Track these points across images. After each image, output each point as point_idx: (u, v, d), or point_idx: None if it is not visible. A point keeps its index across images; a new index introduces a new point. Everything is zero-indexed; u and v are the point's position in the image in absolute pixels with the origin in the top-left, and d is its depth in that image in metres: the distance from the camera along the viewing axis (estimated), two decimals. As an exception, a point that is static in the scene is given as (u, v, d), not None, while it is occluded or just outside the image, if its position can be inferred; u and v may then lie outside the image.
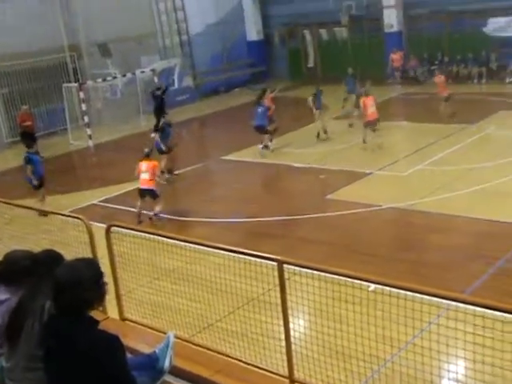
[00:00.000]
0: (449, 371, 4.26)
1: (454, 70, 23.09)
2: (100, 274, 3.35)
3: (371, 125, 15.00)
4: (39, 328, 3.57)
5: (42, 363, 3.34)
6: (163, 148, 14.34)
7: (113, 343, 3.18)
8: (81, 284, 3.19)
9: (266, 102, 16.28)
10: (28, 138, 17.56)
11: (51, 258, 3.96)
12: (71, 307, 3.19)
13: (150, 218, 11.53)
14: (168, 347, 4.00)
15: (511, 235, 9.06)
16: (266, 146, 15.80)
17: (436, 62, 23.75)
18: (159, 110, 18.68)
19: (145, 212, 11.61)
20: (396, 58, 23.99)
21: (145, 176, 11.53)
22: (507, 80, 22.05)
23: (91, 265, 3.39)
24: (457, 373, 4.48)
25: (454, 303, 3.86)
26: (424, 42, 24.35)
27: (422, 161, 13.39)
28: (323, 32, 27.64)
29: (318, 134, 16.51)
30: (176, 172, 14.69)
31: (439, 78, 17.55)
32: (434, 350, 4.15)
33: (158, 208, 11.56)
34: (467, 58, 23.00)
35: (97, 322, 3.27)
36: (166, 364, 3.96)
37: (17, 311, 3.76)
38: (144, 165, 11.61)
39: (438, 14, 23.56)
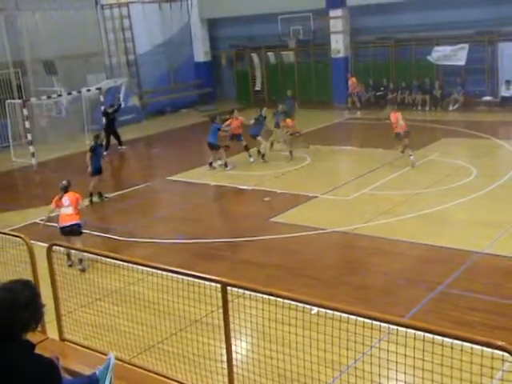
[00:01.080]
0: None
1: (398, 96, 23.68)
2: (37, 295, 3.26)
3: (400, 136, 15.50)
4: None
5: None
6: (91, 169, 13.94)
7: (49, 368, 3.11)
8: (17, 306, 3.09)
9: (232, 122, 16.73)
10: None
11: None
12: (7, 330, 3.08)
13: (81, 260, 9.51)
14: (108, 369, 3.92)
15: (451, 261, 9.29)
16: (224, 164, 16.28)
17: (381, 89, 24.42)
18: (109, 129, 18.90)
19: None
20: (350, 83, 24.33)
21: (68, 211, 10.01)
22: (450, 108, 22.75)
23: (27, 286, 3.27)
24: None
25: (394, 327, 3.94)
26: (370, 68, 25.04)
27: (367, 185, 13.69)
28: (271, 55, 28.05)
29: (263, 155, 16.92)
30: (106, 195, 14.45)
31: (394, 115, 15.78)
32: (375, 374, 4.22)
33: (80, 245, 9.47)
34: (412, 85, 23.63)
35: (33, 346, 3.16)
36: None
37: None
38: (66, 198, 10.13)
39: (385, 41, 24.31)
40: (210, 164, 16.41)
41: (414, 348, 3.86)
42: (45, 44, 21.96)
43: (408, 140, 15.27)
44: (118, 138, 20.04)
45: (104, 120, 19.80)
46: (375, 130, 20.61)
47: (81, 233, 10.02)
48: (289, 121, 17.44)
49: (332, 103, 25.45)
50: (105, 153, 17.55)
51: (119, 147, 20.00)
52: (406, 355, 3.86)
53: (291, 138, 17.17)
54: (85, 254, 9.03)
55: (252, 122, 17.21)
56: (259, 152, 17.05)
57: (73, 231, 9.90)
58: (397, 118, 15.83)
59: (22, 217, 13.18)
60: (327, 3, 24.51)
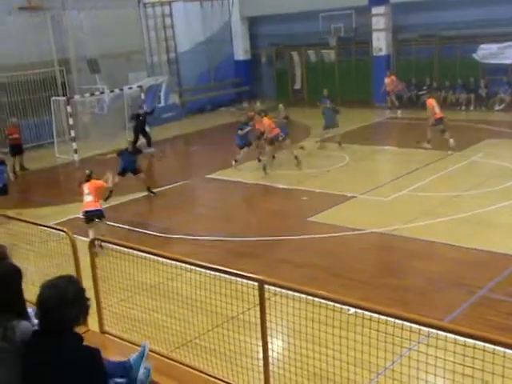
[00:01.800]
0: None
1: (441, 95, 23.12)
2: (82, 290, 3.41)
3: (439, 123, 15.94)
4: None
5: (21, 380, 3.32)
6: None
7: (97, 358, 3.29)
8: (66, 302, 3.25)
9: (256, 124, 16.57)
10: (15, 150, 17.72)
11: None
12: (57, 326, 3.24)
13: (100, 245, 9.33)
14: (143, 357, 3.99)
15: (493, 265, 9.09)
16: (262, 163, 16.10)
17: (424, 88, 23.87)
18: (138, 129, 19.05)
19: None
20: (388, 81, 23.94)
21: (88, 198, 10.91)
22: (496, 108, 22.20)
23: (72, 282, 3.43)
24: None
25: (434, 331, 3.88)
26: (412, 66, 24.63)
27: (406, 186, 13.51)
28: (311, 54, 27.91)
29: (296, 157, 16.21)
30: (153, 191, 14.68)
31: (430, 101, 17.02)
32: (413, 377, 4.16)
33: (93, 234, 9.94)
34: (456, 84, 23.15)
35: (81, 339, 3.34)
36: (141, 373, 3.96)
37: None
38: (86, 186, 11.00)
39: (428, 39, 23.85)
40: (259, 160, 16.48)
41: (454, 352, 3.79)
42: (89, 42, 22.43)
43: (444, 126, 15.37)
44: (147, 138, 19.78)
45: (133, 122, 19.71)
46: (416, 130, 20.30)
47: (103, 216, 10.99)
48: (266, 121, 15.72)
49: (372, 102, 25.17)
50: (152, 149, 18.00)
51: (148, 149, 19.40)
52: (445, 359, 3.80)
53: (272, 147, 15.52)
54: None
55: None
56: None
57: (96, 216, 10.84)
58: (432, 105, 16.20)
59: (64, 212, 13.49)
60: (370, 0, 24.26)
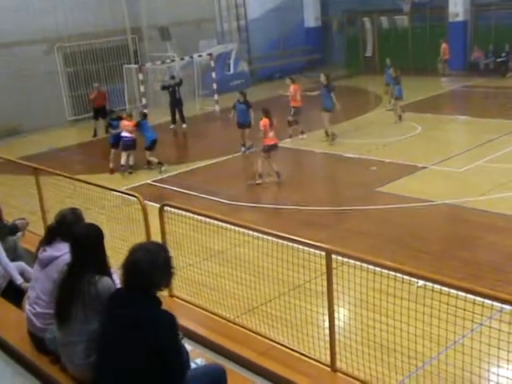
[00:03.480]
0: (498, 375, 4.14)
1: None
2: (171, 258, 3.55)
3: None
4: (85, 305, 3.71)
5: (101, 329, 3.49)
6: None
7: (172, 322, 3.41)
8: (155, 266, 3.41)
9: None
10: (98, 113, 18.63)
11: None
12: (143, 286, 3.41)
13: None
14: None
15: None
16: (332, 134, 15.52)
17: (503, 55, 22.86)
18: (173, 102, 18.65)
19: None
20: (444, 48, 23.09)
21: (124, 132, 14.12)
22: None
23: (164, 249, 3.60)
24: (507, 377, 4.36)
25: (508, 307, 3.75)
26: (491, 32, 23.48)
27: (481, 157, 13.01)
28: (383, 20, 27.09)
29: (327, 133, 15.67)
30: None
31: None
32: (484, 353, 4.05)
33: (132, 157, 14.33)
34: (538, 51, 22.00)
35: (160, 303, 3.48)
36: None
37: (64, 288, 3.91)
38: (123, 122, 14.38)
39: (509, 3, 22.63)
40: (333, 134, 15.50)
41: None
42: (160, 10, 22.58)
43: None
44: (179, 111, 18.88)
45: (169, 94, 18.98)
46: (494, 98, 19.48)
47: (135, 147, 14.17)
48: (265, 121, 12.89)
49: (447, 70, 24.22)
50: (184, 125, 17.83)
51: (184, 125, 18.84)
52: (518, 336, 3.67)
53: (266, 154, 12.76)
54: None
55: (316, 93, 15.86)
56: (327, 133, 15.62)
57: (130, 145, 14.12)
58: None
59: (135, 177, 13.88)
60: (447, -36, 23.24)
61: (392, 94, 17.63)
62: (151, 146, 14.26)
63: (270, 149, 12.85)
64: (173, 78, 19.27)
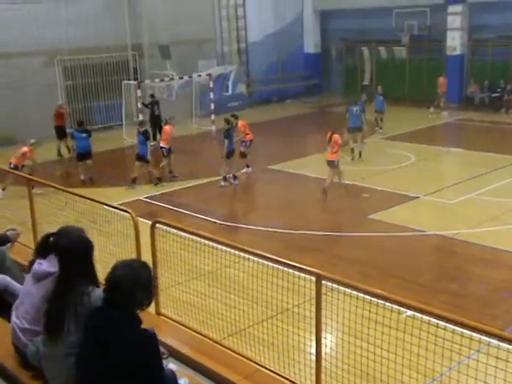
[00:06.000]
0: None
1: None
2: (153, 278, 3.55)
3: None
4: (77, 316, 3.68)
5: (79, 347, 3.45)
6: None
7: (153, 340, 3.38)
8: (137, 284, 3.40)
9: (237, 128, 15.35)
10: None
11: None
12: (123, 303, 3.38)
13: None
14: None
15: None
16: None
17: (498, 90, 23.16)
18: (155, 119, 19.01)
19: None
20: (442, 82, 23.23)
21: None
22: None
23: (146, 267, 3.57)
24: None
25: (495, 341, 3.74)
26: (487, 68, 23.82)
27: (473, 190, 13.09)
28: (382, 50, 27.41)
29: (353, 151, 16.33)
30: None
31: None
32: (470, 386, 4.03)
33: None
34: (532, 88, 22.22)
35: (141, 321, 3.45)
36: None
37: (55, 300, 3.85)
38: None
39: (506, 40, 22.97)
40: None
41: (516, 364, 3.65)
42: (162, 29, 22.75)
43: None
44: (153, 130, 19.17)
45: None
46: (488, 133, 19.67)
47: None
48: (241, 123, 15.32)
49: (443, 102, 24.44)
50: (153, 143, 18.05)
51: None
52: (506, 371, 3.66)
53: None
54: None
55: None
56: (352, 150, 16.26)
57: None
58: None
59: (128, 193, 13.85)
60: (446, -2, 23.59)
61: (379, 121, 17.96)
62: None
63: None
64: (152, 96, 20.04)
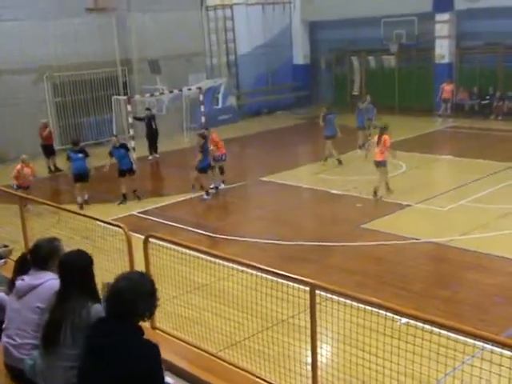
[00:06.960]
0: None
1: (505, 106, 22.62)
2: (155, 289, 3.53)
3: None
4: (75, 329, 3.68)
5: (81, 360, 3.45)
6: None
7: (155, 352, 3.38)
8: (140, 296, 3.40)
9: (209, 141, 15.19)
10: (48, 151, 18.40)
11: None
12: (125, 315, 3.38)
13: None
14: None
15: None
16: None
17: (487, 97, 23.37)
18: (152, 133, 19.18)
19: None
20: (447, 89, 23.51)
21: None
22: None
23: (148, 279, 3.60)
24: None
25: (489, 346, 3.77)
26: (475, 75, 24.01)
27: (465, 197, 13.17)
28: (371, 59, 27.58)
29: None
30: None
31: None
32: (465, 391, 4.05)
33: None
34: (520, 94, 22.42)
35: (143, 332, 3.45)
36: None
37: (54, 313, 3.86)
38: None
39: (493, 47, 23.18)
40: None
41: (510, 369, 3.67)
42: (151, 44, 22.86)
43: None
44: (150, 143, 19.78)
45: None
46: (478, 139, 19.81)
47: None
48: (214, 136, 15.28)
49: (433, 110, 24.65)
50: (150, 157, 18.23)
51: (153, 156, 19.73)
52: (500, 375, 3.68)
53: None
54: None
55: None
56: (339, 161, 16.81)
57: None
58: None
59: (119, 208, 13.83)
60: (434, 7, 23.79)
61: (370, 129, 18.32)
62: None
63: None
64: (148, 109, 20.05)
